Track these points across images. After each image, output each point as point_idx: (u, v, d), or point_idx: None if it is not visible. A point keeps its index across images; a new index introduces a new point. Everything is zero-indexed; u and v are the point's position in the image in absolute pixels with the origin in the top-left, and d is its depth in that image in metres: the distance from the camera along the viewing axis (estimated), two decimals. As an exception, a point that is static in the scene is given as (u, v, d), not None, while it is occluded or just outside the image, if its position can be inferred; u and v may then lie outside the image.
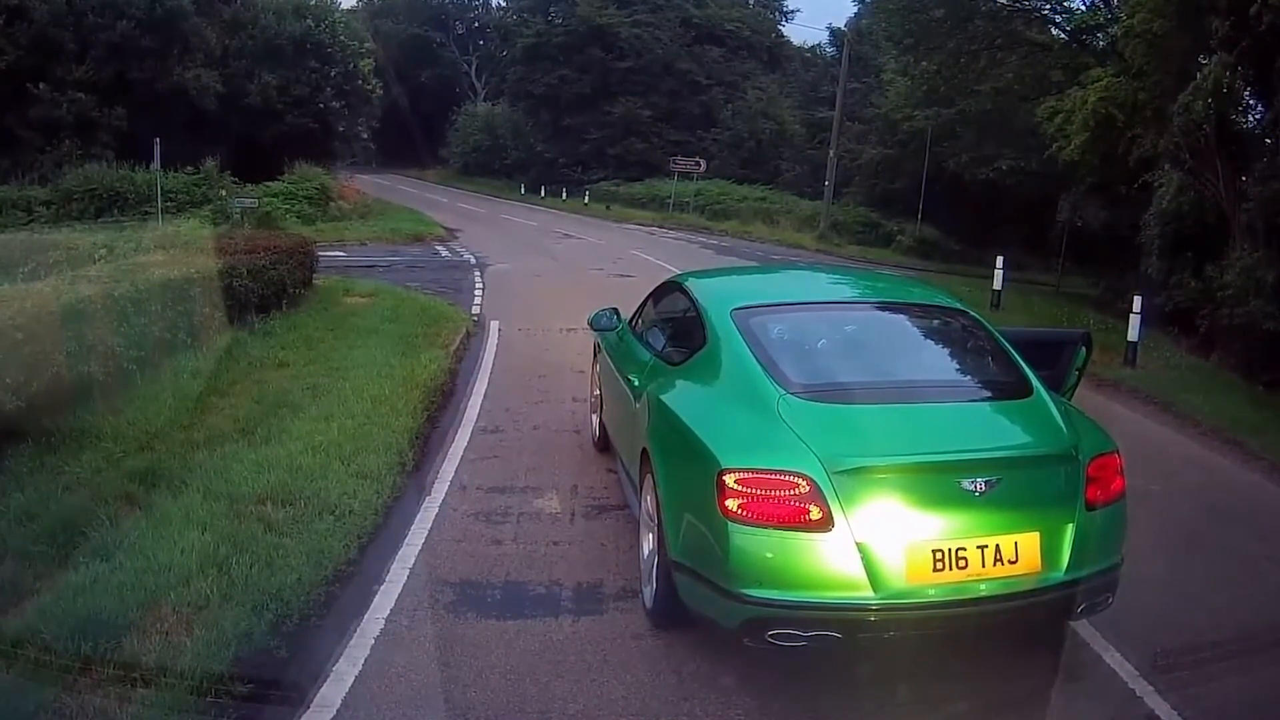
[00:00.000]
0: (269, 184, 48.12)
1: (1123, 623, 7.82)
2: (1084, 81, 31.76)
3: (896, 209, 58.40)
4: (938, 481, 7.31)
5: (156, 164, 37.51)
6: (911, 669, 7.51)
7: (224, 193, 42.79)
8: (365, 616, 8.63)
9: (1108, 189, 33.58)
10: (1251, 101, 26.75)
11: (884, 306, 10.63)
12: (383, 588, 9.25)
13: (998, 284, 31.03)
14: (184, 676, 7.13)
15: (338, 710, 7.17)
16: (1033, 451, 7.89)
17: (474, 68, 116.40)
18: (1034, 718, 7.00)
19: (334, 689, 7.42)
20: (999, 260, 31.21)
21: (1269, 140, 25.45)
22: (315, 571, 9.16)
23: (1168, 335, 25.03)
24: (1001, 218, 48.92)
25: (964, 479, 7.21)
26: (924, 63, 43.61)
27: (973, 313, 9.96)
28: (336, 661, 7.83)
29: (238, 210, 38.07)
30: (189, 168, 44.87)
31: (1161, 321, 25.18)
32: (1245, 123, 27.34)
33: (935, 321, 10.16)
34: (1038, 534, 7.29)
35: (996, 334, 9.44)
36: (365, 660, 7.88)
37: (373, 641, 8.20)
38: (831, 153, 59.07)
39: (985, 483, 7.20)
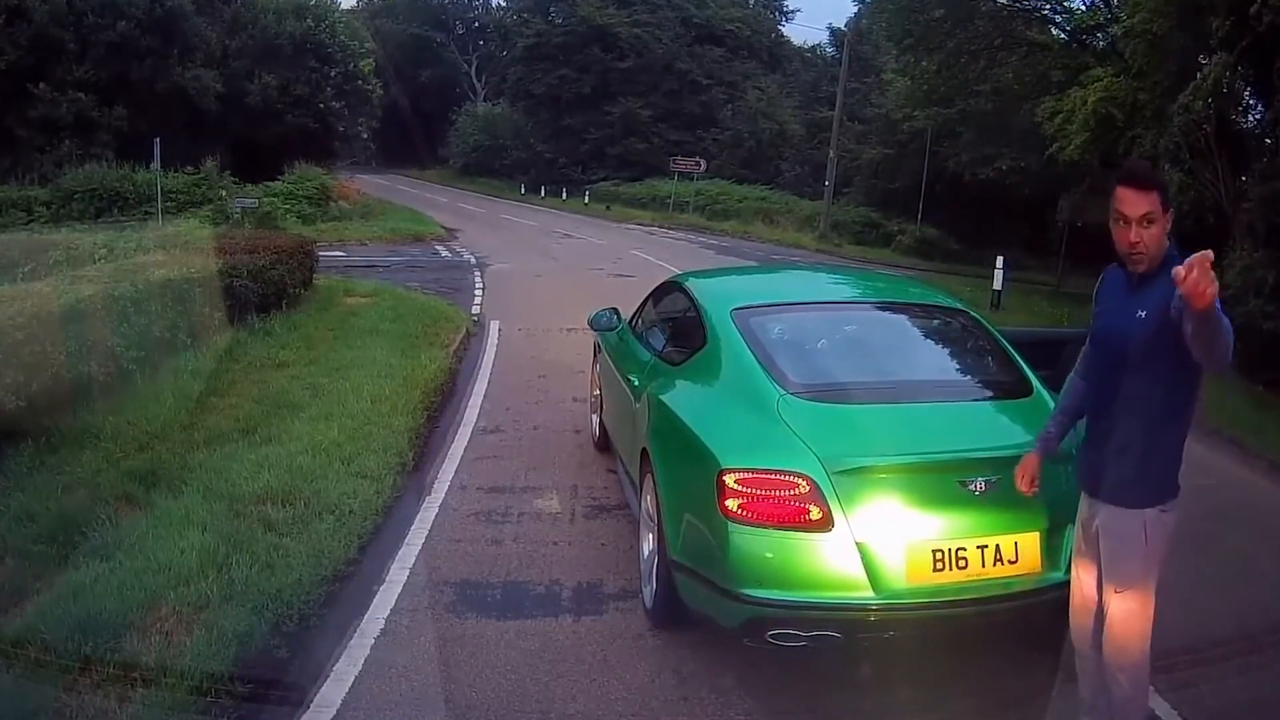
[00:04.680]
0: (269, 184, 48.34)
1: (1122, 622, 7.85)
2: (1084, 81, 31.84)
3: (896, 209, 58.51)
4: (938, 481, 7.31)
5: (156, 164, 37.57)
6: (911, 669, 7.51)
7: (224, 193, 42.93)
8: (365, 616, 8.64)
9: (1108, 189, 33.52)
10: (1251, 101, 26.78)
11: (884, 306, 10.64)
12: (383, 588, 9.26)
13: (998, 284, 31.08)
14: (184, 676, 7.12)
15: (338, 710, 7.17)
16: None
17: (474, 68, 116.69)
18: (1034, 718, 6.99)
19: (334, 689, 7.42)
20: (999, 260, 31.25)
21: (1269, 140, 25.43)
22: (315, 571, 9.16)
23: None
24: (1001, 218, 48.93)
25: (964, 478, 7.22)
26: (924, 63, 43.68)
27: (972, 312, 9.96)
28: (336, 661, 7.84)
29: (238, 210, 38.16)
30: (189, 168, 45.06)
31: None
32: (1245, 122, 27.37)
33: (935, 321, 10.15)
34: (1038, 534, 7.28)
35: (996, 334, 9.44)
36: (365, 660, 7.89)
37: (373, 641, 8.21)
38: (831, 152, 59.21)
39: (985, 482, 7.19)
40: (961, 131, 48.65)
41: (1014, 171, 46.16)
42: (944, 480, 7.30)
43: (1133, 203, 6.08)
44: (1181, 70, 25.06)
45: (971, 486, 7.20)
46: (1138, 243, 6.05)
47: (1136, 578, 6.03)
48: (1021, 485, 6.69)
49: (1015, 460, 7.09)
